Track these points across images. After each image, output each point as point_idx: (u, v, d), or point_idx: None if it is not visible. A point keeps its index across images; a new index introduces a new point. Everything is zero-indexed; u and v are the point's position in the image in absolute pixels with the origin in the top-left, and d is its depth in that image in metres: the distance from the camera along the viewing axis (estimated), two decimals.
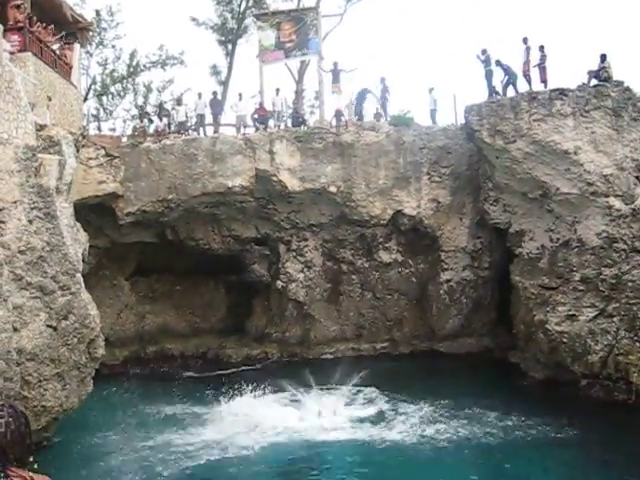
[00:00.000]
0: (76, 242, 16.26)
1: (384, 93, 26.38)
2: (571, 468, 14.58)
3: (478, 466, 14.92)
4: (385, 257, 25.90)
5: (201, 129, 26.59)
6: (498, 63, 22.98)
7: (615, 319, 19.83)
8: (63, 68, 20.76)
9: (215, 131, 26.81)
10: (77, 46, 22.98)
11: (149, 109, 31.48)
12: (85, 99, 33.93)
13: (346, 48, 39.79)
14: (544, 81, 22.19)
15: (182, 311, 28.15)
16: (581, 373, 20.14)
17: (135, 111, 29.24)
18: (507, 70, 22.80)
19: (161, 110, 28.18)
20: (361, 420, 17.84)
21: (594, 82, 21.01)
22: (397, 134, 24.89)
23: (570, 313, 20.59)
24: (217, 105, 27.74)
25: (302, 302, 26.10)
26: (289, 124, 26.57)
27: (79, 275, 15.66)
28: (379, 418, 18.10)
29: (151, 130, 26.67)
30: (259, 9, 36.97)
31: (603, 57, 21.18)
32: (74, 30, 23.24)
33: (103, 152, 23.79)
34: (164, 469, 14.76)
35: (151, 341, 27.10)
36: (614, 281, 19.93)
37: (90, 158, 23.34)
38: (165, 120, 27.14)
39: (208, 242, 26.49)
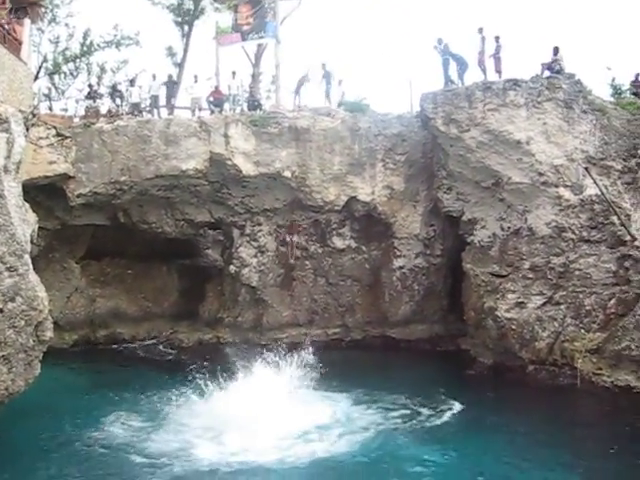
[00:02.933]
0: (24, 223, 15.88)
1: (328, 79, 26.13)
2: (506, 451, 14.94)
3: (401, 454, 14.88)
4: (339, 243, 25.97)
5: (155, 111, 26.24)
6: (449, 52, 23.14)
7: (562, 307, 20.33)
8: (12, 44, 20.14)
9: (169, 113, 26.49)
10: (27, 21, 22.30)
11: (102, 90, 30.88)
12: (36, 77, 32.99)
13: (305, 32, 39.63)
14: (499, 71, 22.42)
15: (134, 295, 27.80)
16: (528, 359, 20.60)
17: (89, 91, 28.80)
18: (459, 59, 23.01)
19: (114, 91, 27.66)
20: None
21: (547, 74, 21.35)
22: (352, 120, 24.91)
23: (519, 300, 21.00)
24: (172, 87, 27.38)
25: (255, 287, 26.03)
26: (245, 108, 26.36)
27: (27, 256, 15.32)
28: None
29: (103, 111, 26.18)
30: None
31: (556, 50, 21.53)
32: (24, 4, 22.57)
33: (54, 132, 23.27)
34: (107, 457, 14.66)
35: (102, 325, 26.72)
36: (562, 270, 20.39)
37: (40, 138, 22.82)
38: (118, 101, 26.67)
39: (161, 226, 26.20)
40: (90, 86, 29.79)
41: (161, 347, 26.23)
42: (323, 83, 26.07)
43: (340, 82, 26.56)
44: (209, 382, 18.16)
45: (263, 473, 13.74)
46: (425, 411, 17.64)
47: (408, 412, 17.60)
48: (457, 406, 17.91)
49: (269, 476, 13.65)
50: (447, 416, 17.26)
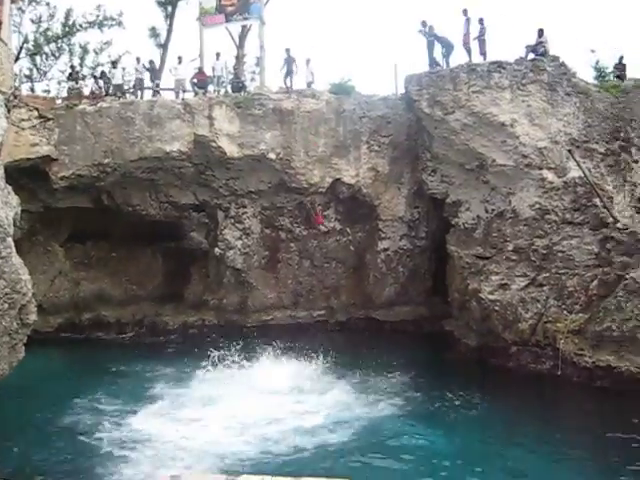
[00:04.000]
0: (7, 205, 15.77)
1: (289, 64, 25.61)
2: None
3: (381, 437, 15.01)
4: (323, 225, 25.99)
5: (139, 93, 26.03)
6: (434, 34, 23.09)
7: (545, 288, 20.46)
8: None
9: (153, 95, 26.29)
10: (7, 0, 22.03)
11: (85, 71, 30.61)
12: (17, 58, 32.72)
13: (289, 14, 39.33)
14: (483, 54, 22.41)
15: (118, 278, 27.72)
16: (511, 340, 20.75)
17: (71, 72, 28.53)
18: (444, 42, 22.98)
19: (102, 75, 27.34)
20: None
21: (531, 56, 21.36)
22: (337, 102, 24.86)
23: (503, 282, 21.13)
24: (153, 72, 27.14)
25: (240, 269, 26.04)
26: (229, 90, 26.21)
27: (10, 239, 15.23)
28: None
29: (86, 92, 25.94)
30: None
31: (540, 32, 21.52)
32: None
33: (36, 114, 23.08)
34: (74, 441, 14.78)
35: (86, 308, 26.69)
36: (545, 251, 20.52)
37: (22, 119, 22.65)
38: (101, 82, 26.39)
39: (145, 208, 26.09)
40: (72, 67, 29.50)
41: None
42: (285, 68, 25.81)
43: (308, 61, 26.08)
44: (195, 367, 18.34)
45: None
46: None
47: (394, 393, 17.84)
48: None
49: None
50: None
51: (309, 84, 26.00)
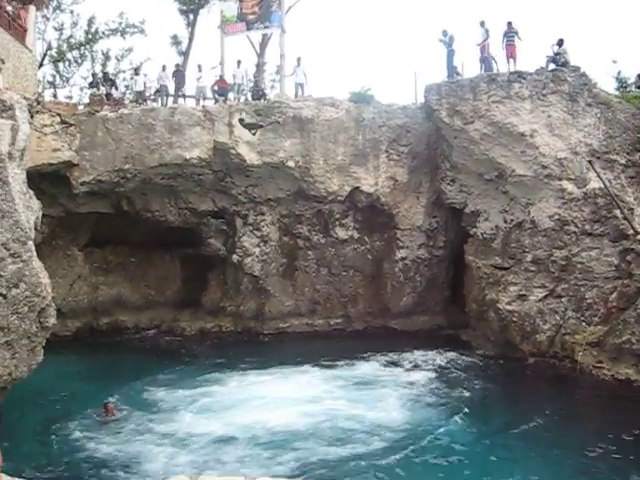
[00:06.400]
0: (28, 209, 15.91)
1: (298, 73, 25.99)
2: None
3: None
4: (341, 233, 26.01)
5: (164, 99, 26.26)
6: (444, 41, 23.24)
7: (563, 299, 20.35)
8: (17, 30, 20.16)
9: (174, 102, 26.49)
10: (32, 8, 22.33)
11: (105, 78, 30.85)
12: (40, 65, 33.10)
13: (309, 22, 39.48)
14: (512, 57, 22.37)
15: (136, 283, 27.88)
16: (529, 351, 20.67)
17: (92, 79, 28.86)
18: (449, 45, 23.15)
19: (105, 79, 27.52)
20: None
21: (552, 66, 21.31)
22: (357, 110, 24.89)
23: (521, 293, 21.04)
24: (180, 77, 27.37)
25: (257, 276, 26.09)
26: (249, 97, 26.35)
27: (31, 243, 15.36)
28: None
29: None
30: None
31: (560, 42, 21.48)
32: None
33: (58, 119, 23.28)
34: (81, 445, 14.79)
35: (104, 313, 26.83)
36: (564, 263, 20.41)
37: (45, 125, 22.85)
38: (107, 88, 26.44)
39: (164, 214, 26.23)
40: (94, 75, 29.77)
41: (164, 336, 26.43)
42: (295, 75, 26.01)
43: (299, 60, 26.24)
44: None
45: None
46: None
47: None
48: None
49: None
50: None
51: (300, 85, 26.11)
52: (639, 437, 14.71)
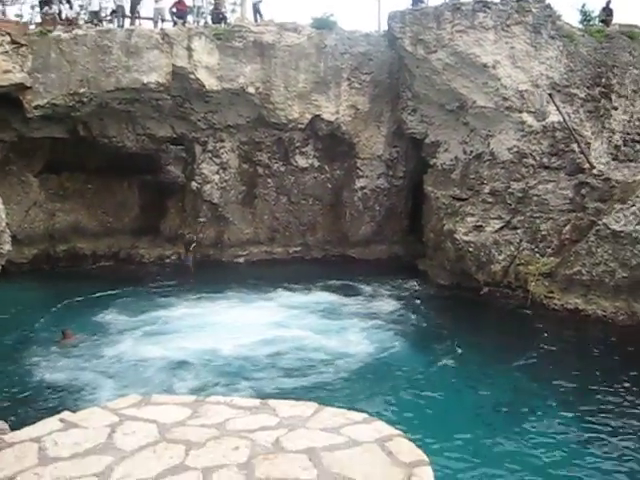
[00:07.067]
0: None
1: None
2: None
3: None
4: (301, 162, 25.90)
5: (120, 20, 25.32)
6: None
7: (519, 231, 20.76)
8: None
9: (131, 23, 25.61)
10: None
11: None
12: None
13: None
14: None
15: (94, 210, 27.44)
16: (484, 281, 21.14)
17: None
18: None
19: None
20: None
21: None
22: (319, 37, 24.43)
23: (478, 224, 21.38)
24: None
25: (217, 204, 25.98)
26: (209, 21, 25.62)
27: None
28: None
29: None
30: None
31: None
32: None
33: (8, 39, 22.35)
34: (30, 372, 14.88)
35: (61, 240, 26.46)
36: (521, 195, 20.73)
37: None
38: (60, 7, 25.39)
39: (122, 140, 25.71)
40: None
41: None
42: None
43: None
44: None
45: None
46: None
47: None
48: None
49: None
50: None
51: (256, 5, 25.75)
52: (582, 363, 15.56)
